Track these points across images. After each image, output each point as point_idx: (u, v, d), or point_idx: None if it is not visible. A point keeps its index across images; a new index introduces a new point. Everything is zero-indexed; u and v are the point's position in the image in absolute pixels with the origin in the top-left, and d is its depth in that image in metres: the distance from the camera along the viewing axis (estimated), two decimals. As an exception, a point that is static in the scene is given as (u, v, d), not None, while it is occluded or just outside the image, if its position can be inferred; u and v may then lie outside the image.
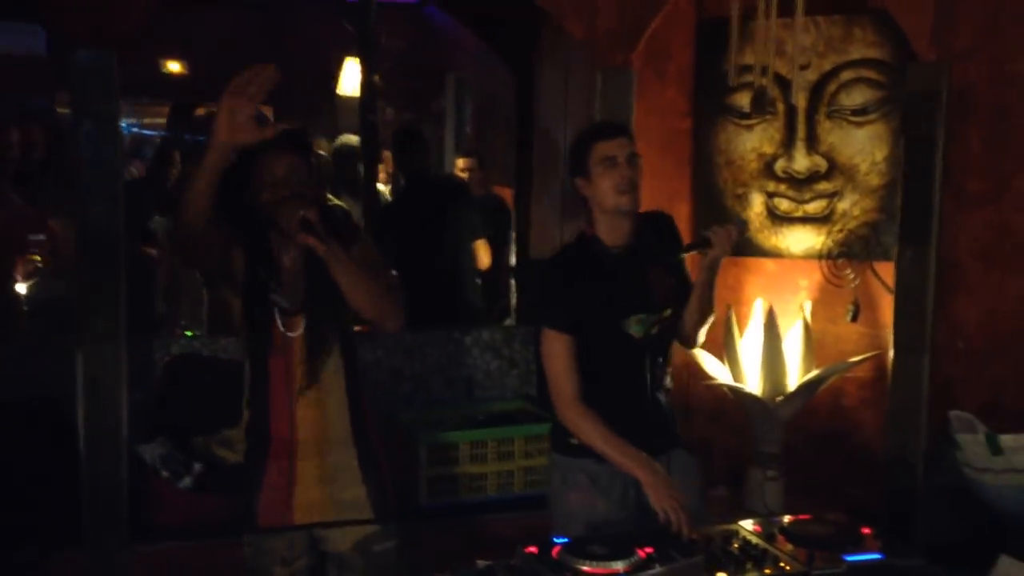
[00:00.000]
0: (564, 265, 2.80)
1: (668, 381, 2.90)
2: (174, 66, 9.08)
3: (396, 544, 2.79)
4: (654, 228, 2.85)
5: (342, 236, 2.60)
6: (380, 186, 6.61)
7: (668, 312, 2.80)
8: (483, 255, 5.01)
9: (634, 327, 2.75)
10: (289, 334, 2.64)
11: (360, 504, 2.72)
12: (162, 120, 10.08)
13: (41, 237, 4.47)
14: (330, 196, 5.55)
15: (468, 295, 4.96)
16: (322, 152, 6.29)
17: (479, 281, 5.10)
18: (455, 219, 4.88)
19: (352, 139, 6.15)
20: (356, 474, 2.72)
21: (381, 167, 6.84)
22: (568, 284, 2.74)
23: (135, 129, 8.51)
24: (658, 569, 2.25)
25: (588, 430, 2.71)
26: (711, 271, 2.79)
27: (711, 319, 2.88)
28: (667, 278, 2.80)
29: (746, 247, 4.37)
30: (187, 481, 3.55)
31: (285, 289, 2.66)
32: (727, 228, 2.77)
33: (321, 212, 2.54)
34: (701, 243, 2.77)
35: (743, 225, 2.74)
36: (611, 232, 2.75)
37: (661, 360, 2.85)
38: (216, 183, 2.38)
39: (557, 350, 2.72)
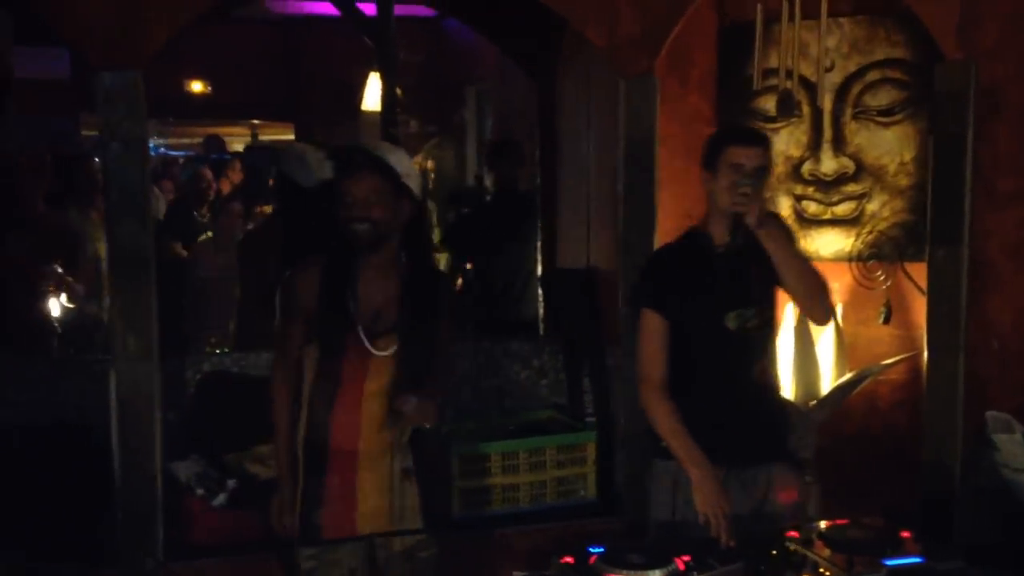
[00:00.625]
0: (673, 254, 2.95)
1: (772, 385, 2.96)
2: (197, 85, 9.16)
3: (439, 551, 2.85)
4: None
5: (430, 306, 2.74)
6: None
7: (767, 308, 2.87)
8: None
9: (733, 321, 2.83)
10: (376, 352, 2.69)
11: (414, 513, 2.77)
12: (187, 140, 10.17)
13: (55, 267, 4.52)
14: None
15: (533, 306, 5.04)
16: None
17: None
18: (531, 231, 4.93)
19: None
20: (412, 483, 2.77)
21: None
22: (675, 272, 2.87)
23: (161, 150, 8.59)
24: (697, 577, 2.24)
25: (661, 416, 2.80)
26: (767, 239, 2.77)
27: (819, 286, 2.86)
28: (769, 276, 2.86)
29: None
30: (221, 498, 3.55)
31: (367, 306, 2.72)
32: (740, 192, 2.78)
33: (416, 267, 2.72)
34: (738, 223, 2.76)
35: (750, 179, 2.75)
36: (721, 230, 2.84)
37: (762, 362, 2.88)
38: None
39: (652, 330, 2.83)
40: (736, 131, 2.98)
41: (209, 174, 6.73)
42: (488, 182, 5.81)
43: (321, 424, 2.74)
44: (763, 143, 2.88)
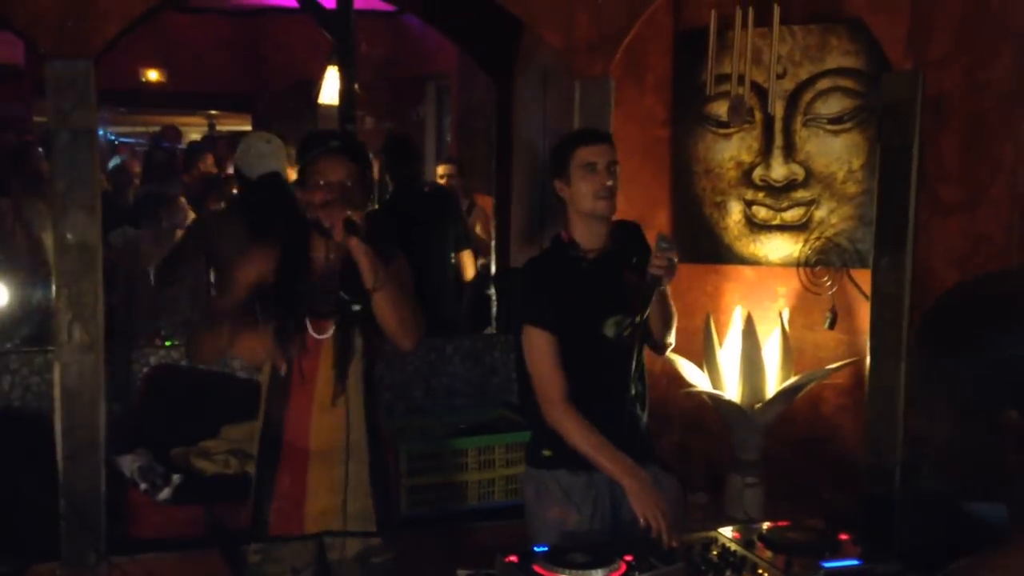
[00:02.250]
0: (544, 266, 2.85)
1: (644, 391, 2.92)
2: (154, 75, 9.05)
3: (393, 558, 2.79)
4: (626, 235, 2.90)
5: (382, 249, 2.63)
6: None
7: (639, 317, 2.81)
8: (468, 266, 5.00)
9: (611, 329, 2.78)
10: (318, 336, 2.65)
11: (368, 515, 2.72)
12: (142, 128, 10.06)
13: None
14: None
15: (450, 306, 4.95)
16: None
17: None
18: (441, 229, 4.87)
19: None
20: (366, 486, 2.72)
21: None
22: (549, 284, 2.77)
23: (111, 137, 8.48)
24: (637, 577, 2.25)
25: (573, 431, 2.71)
26: (660, 293, 2.80)
27: (674, 323, 2.90)
28: (640, 281, 2.82)
29: (725, 255, 4.40)
30: (165, 493, 3.52)
31: (317, 292, 2.67)
32: (666, 257, 2.76)
33: (367, 221, 2.58)
34: (652, 285, 2.76)
35: (670, 243, 2.76)
36: (587, 236, 2.79)
37: (635, 367, 2.87)
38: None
39: (542, 348, 2.73)
40: (580, 133, 2.90)
41: (134, 166, 6.62)
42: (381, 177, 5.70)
43: (276, 417, 2.71)
44: (608, 139, 2.83)
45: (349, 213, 2.52)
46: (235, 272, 2.77)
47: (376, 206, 6.10)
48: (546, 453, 2.80)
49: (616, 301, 2.79)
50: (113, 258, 5.42)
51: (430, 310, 4.73)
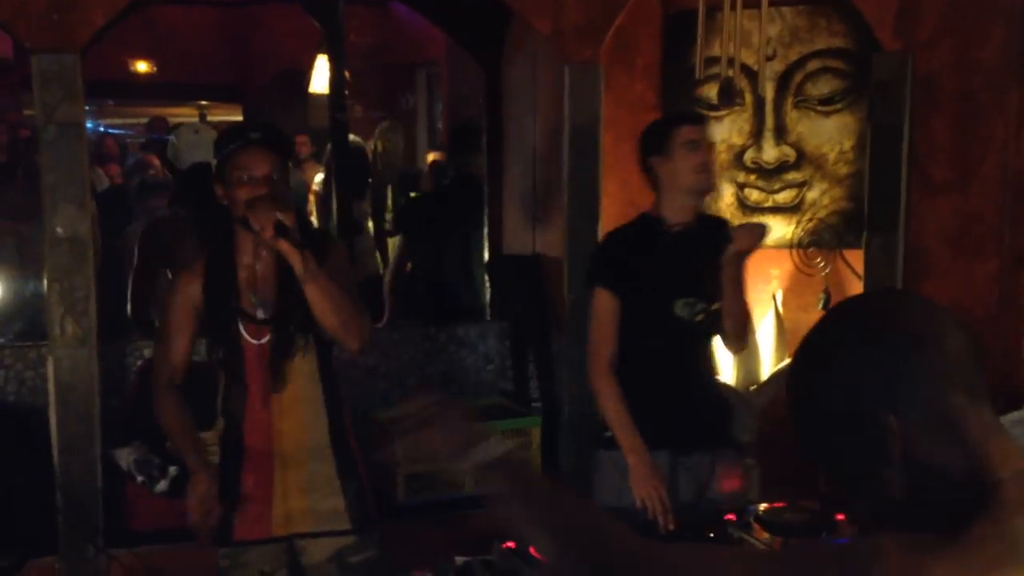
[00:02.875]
0: (623, 234, 2.95)
1: (713, 380, 2.97)
2: (143, 66, 9.01)
3: (374, 555, 2.74)
4: (715, 226, 2.97)
5: (315, 248, 2.54)
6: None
7: (716, 306, 2.86)
8: None
9: (681, 309, 2.81)
10: (255, 341, 2.59)
11: (338, 515, 2.68)
12: (131, 120, 10.02)
13: None
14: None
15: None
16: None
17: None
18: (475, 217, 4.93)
19: (357, 140, 6.17)
20: (334, 484, 2.67)
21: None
22: (624, 251, 2.88)
23: (101, 129, 8.44)
24: (633, 561, 2.26)
25: (606, 398, 2.81)
26: (732, 266, 2.83)
27: (748, 321, 2.93)
28: (719, 272, 2.85)
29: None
30: (162, 485, 3.53)
31: (249, 295, 2.60)
32: (751, 225, 2.85)
33: (297, 219, 2.50)
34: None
35: (763, 228, 2.86)
36: (676, 212, 2.87)
37: (706, 352, 2.91)
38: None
39: (604, 310, 2.83)
40: (682, 113, 3.07)
41: (156, 160, 6.61)
42: (449, 167, 5.74)
43: (235, 423, 2.66)
44: (707, 121, 3.08)
45: (279, 215, 2.41)
46: (168, 307, 2.68)
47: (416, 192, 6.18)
48: (608, 434, 2.89)
49: (691, 282, 2.85)
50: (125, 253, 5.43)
51: (469, 298, 4.85)
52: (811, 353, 1.27)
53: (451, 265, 4.91)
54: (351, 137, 5.96)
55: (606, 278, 2.85)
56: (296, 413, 2.64)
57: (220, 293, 2.60)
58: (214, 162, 2.61)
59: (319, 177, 6.35)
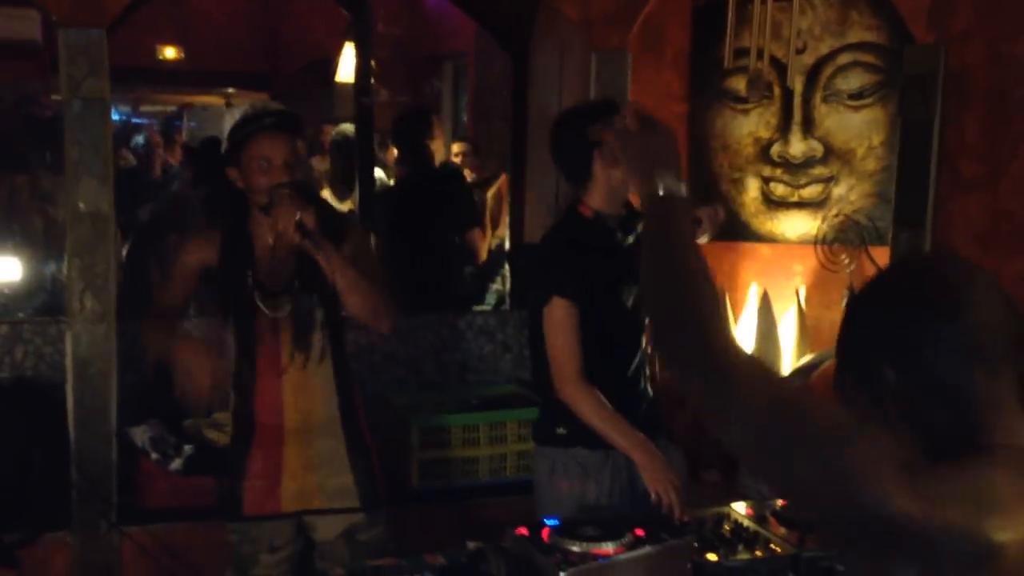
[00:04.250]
0: (570, 236, 2.78)
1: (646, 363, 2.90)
2: (171, 52, 9.06)
3: (383, 532, 2.74)
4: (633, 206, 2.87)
5: (334, 234, 2.56)
6: (379, 173, 6.59)
7: None
8: (480, 244, 4.97)
9: (628, 299, 2.76)
10: (273, 315, 2.60)
11: (347, 492, 2.68)
12: (160, 108, 10.07)
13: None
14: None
15: (460, 284, 4.91)
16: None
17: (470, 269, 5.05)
18: (451, 207, 4.82)
19: (349, 128, 6.11)
20: (344, 461, 2.68)
21: (390, 153, 6.82)
22: (577, 254, 2.72)
23: (125, 117, 8.49)
24: (648, 549, 2.23)
25: (589, 408, 2.67)
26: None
27: None
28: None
29: (741, 232, 4.36)
30: (177, 463, 3.53)
31: (266, 269, 2.61)
32: (714, 208, 2.79)
33: (318, 208, 2.53)
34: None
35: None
36: (610, 205, 2.76)
37: (645, 340, 2.84)
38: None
39: (564, 321, 2.67)
40: (600, 104, 2.89)
41: (159, 139, 6.62)
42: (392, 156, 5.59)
43: (246, 397, 2.67)
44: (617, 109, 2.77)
45: (299, 215, 2.45)
46: (175, 261, 2.72)
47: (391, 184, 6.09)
48: (560, 431, 2.77)
49: (631, 270, 2.77)
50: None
51: (440, 289, 4.74)
52: (864, 293, 1.44)
53: (416, 257, 4.77)
54: (343, 127, 5.92)
55: (562, 287, 2.68)
56: (306, 389, 2.64)
57: (236, 263, 2.61)
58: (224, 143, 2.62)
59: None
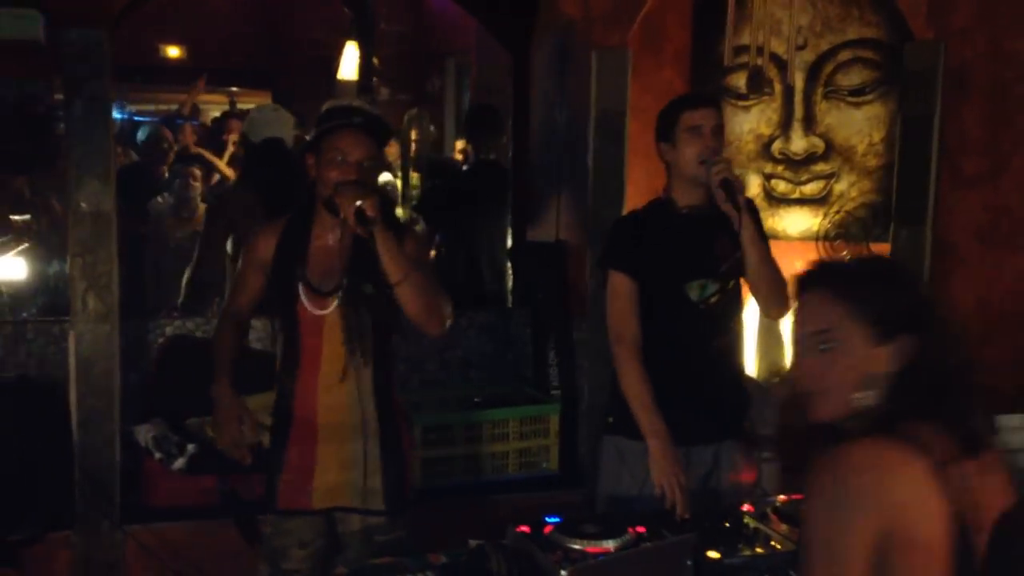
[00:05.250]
0: (635, 219, 2.90)
1: (732, 363, 2.92)
2: (174, 51, 9.06)
3: (402, 536, 2.75)
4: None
5: (395, 229, 2.58)
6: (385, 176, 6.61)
7: (732, 284, 2.82)
8: None
9: (695, 291, 2.78)
10: (318, 312, 2.62)
11: (375, 493, 2.69)
12: (163, 107, 10.08)
13: (26, 217, 4.48)
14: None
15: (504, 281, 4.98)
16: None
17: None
18: (500, 204, 4.88)
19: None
20: (376, 463, 2.68)
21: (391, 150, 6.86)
22: (636, 233, 2.82)
23: (127, 116, 8.47)
24: (648, 547, 2.24)
25: (629, 379, 2.74)
26: (748, 229, 2.77)
27: (780, 279, 2.82)
28: (733, 249, 2.81)
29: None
30: (180, 463, 3.53)
31: (320, 268, 2.64)
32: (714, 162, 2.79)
33: (380, 205, 2.53)
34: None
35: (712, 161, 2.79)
36: (686, 197, 2.82)
37: (724, 335, 2.86)
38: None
39: (620, 292, 2.78)
40: (686, 96, 2.95)
41: (169, 134, 6.62)
42: (468, 150, 5.67)
43: (286, 391, 2.70)
44: (714, 103, 2.87)
45: (359, 203, 2.47)
46: (244, 256, 2.76)
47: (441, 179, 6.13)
48: (609, 420, 2.86)
49: (704, 264, 2.80)
50: (145, 231, 5.48)
51: (496, 284, 4.79)
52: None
53: (477, 252, 4.88)
54: None
55: (620, 260, 2.80)
56: (346, 389, 2.65)
57: (289, 258, 2.64)
58: (290, 138, 2.65)
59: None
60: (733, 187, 2.74)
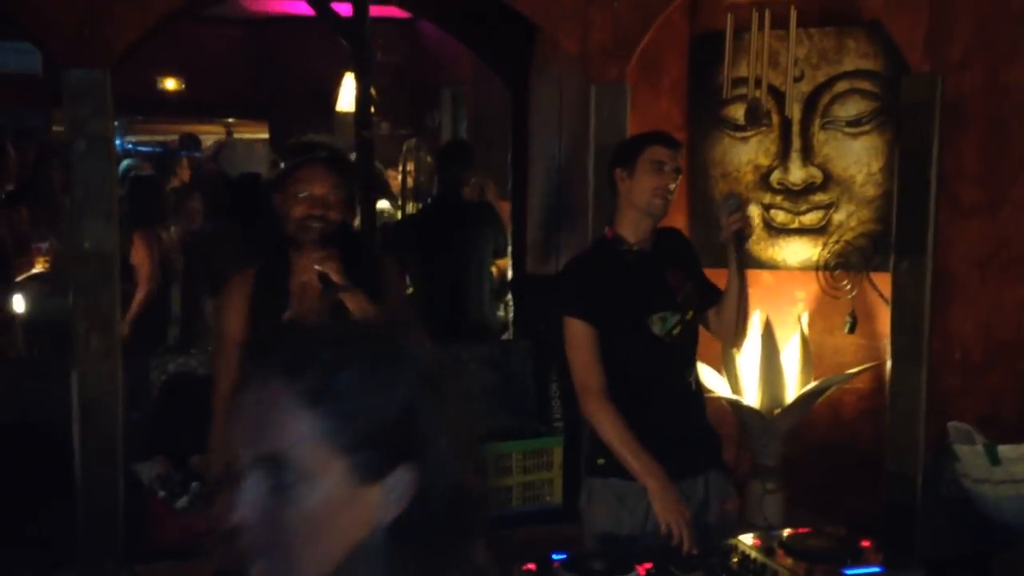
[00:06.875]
0: (587, 260, 2.90)
1: (700, 392, 2.95)
2: (171, 83, 9.10)
3: None
4: (669, 238, 2.96)
5: (372, 284, 2.57)
6: (384, 204, 6.63)
7: (690, 314, 2.84)
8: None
9: (657, 325, 2.78)
10: None
11: None
12: (160, 138, 10.12)
13: (45, 244, 4.49)
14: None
15: (486, 313, 4.93)
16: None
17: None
18: (479, 237, 4.86)
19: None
20: None
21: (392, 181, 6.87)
22: (591, 277, 2.81)
23: (129, 147, 8.51)
24: (656, 585, 2.24)
25: (608, 426, 2.73)
26: (737, 254, 2.85)
27: (750, 316, 2.92)
28: (685, 281, 2.85)
29: (743, 258, 4.37)
30: (183, 501, 3.53)
31: (299, 307, 2.61)
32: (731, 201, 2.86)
33: (351, 258, 2.53)
34: (739, 241, 2.84)
35: (738, 201, 2.85)
36: (633, 231, 2.83)
37: (688, 368, 2.87)
38: None
39: (580, 339, 2.76)
40: (658, 133, 2.97)
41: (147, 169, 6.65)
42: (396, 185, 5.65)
43: None
44: (681, 147, 2.91)
45: (316, 268, 2.47)
46: (223, 298, 2.72)
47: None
48: (600, 461, 2.82)
49: (661, 298, 2.82)
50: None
51: (464, 317, 4.77)
52: None
53: (442, 286, 4.82)
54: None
55: (575, 307, 2.77)
56: None
57: (268, 301, 2.61)
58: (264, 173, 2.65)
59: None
60: (743, 239, 2.79)
